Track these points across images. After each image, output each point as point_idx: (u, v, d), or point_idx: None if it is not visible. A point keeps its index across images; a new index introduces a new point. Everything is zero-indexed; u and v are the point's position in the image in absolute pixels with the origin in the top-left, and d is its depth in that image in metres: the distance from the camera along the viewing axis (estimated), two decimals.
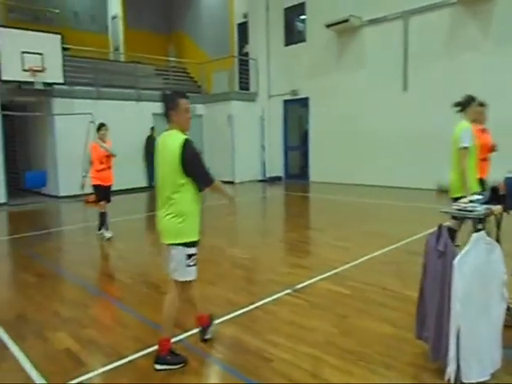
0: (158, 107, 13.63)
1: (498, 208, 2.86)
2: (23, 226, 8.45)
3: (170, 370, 2.86)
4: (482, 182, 4.24)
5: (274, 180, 14.73)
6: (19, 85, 10.64)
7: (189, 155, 2.78)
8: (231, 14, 16.29)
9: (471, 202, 2.85)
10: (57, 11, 15.70)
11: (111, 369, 2.89)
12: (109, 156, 6.68)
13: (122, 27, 18.43)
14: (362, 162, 12.52)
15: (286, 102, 14.86)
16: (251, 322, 3.58)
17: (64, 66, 11.27)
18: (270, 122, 15.27)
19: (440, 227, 2.66)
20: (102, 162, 6.63)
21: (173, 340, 3.07)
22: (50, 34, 11.18)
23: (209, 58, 16.41)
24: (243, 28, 15.68)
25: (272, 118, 15.22)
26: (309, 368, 2.83)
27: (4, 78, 10.29)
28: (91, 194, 10.77)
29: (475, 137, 4.10)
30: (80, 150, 11.07)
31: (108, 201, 6.89)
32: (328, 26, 12.57)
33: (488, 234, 2.67)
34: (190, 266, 2.90)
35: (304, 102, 14.21)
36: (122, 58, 17.53)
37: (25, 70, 10.44)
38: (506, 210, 3.00)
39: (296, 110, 15.07)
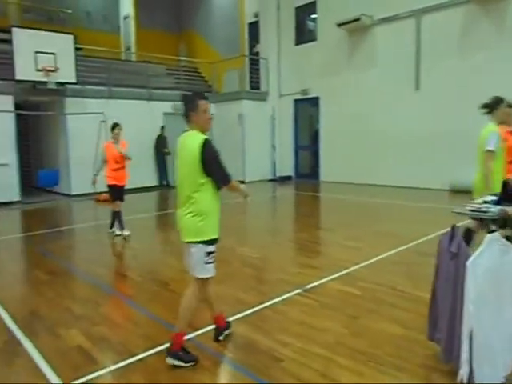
0: (168, 107, 13.82)
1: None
2: (36, 224, 8.57)
3: (180, 366, 2.87)
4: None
5: (284, 179, 14.71)
6: (33, 84, 10.78)
7: (208, 155, 2.82)
8: (242, 14, 16.29)
9: (485, 202, 2.81)
10: (69, 11, 15.86)
11: (122, 366, 2.91)
12: (123, 156, 6.71)
13: (134, 27, 18.55)
14: (372, 162, 12.44)
15: (296, 101, 14.82)
16: (261, 322, 3.58)
17: (76, 65, 11.39)
18: (280, 122, 15.25)
19: (453, 228, 2.63)
20: (117, 162, 6.64)
21: (185, 338, 3.08)
22: (63, 34, 11.32)
23: (220, 58, 16.44)
24: (254, 27, 15.68)
25: (282, 117, 15.20)
26: (319, 368, 2.82)
27: (18, 77, 10.43)
28: (102, 192, 10.95)
29: (503, 139, 4.05)
30: (92, 149, 11.19)
31: (122, 200, 6.93)
32: (339, 25, 12.51)
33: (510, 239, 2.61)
34: (208, 263, 2.94)
35: (314, 102, 14.17)
36: (134, 57, 17.64)
37: (38, 70, 10.58)
38: None
39: (306, 109, 15.03)
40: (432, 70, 11.01)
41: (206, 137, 2.88)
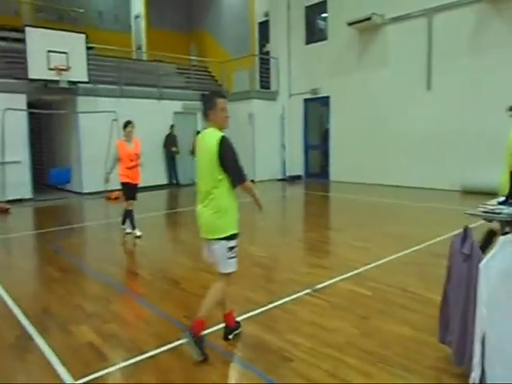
0: (179, 105, 13.88)
1: None
2: (48, 221, 8.67)
3: (191, 348, 2.89)
4: None
5: (294, 179, 14.68)
6: (45, 83, 10.90)
7: (225, 151, 2.91)
8: (252, 13, 16.30)
9: (499, 203, 2.78)
10: (81, 11, 16.01)
11: (132, 364, 2.94)
12: (137, 154, 6.74)
13: (145, 26, 18.66)
14: (383, 162, 12.36)
15: (306, 100, 14.78)
16: (271, 321, 3.58)
17: (88, 64, 11.49)
18: (290, 121, 15.22)
19: (465, 229, 2.60)
20: (131, 160, 6.64)
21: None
22: (75, 34, 11.43)
23: (230, 57, 16.46)
24: (264, 26, 15.67)
25: (292, 116, 15.17)
26: (328, 368, 2.81)
27: (31, 76, 10.56)
28: (114, 190, 11.04)
29: None
30: (103, 147, 11.30)
31: (134, 199, 6.92)
32: (350, 24, 12.44)
33: None
34: (231, 257, 3.03)
35: (325, 101, 14.11)
36: (145, 56, 17.75)
37: (50, 69, 10.69)
38: None
39: (317, 108, 14.98)
40: (444, 69, 10.89)
41: (223, 134, 2.98)
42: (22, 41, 10.61)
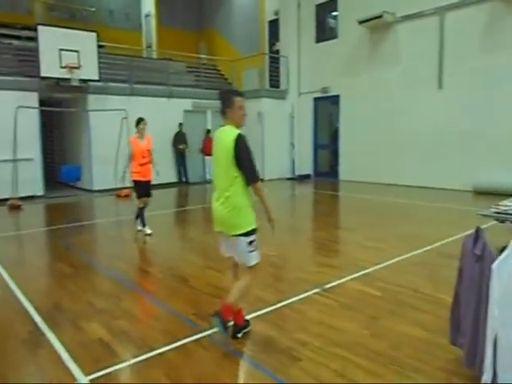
0: (188, 104, 13.92)
1: None
2: (59, 218, 8.76)
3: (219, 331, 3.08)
4: None
5: (303, 178, 14.65)
6: (57, 81, 11.00)
7: (241, 149, 2.98)
8: (262, 12, 16.27)
9: None
10: (93, 9, 16.14)
11: (142, 360, 2.95)
12: (150, 151, 6.76)
13: (155, 25, 18.72)
14: (394, 162, 12.27)
15: (316, 99, 14.73)
16: (279, 320, 3.58)
17: (99, 63, 11.57)
18: (299, 120, 15.18)
19: (477, 230, 2.57)
20: (143, 157, 6.65)
21: (203, 334, 3.11)
22: (86, 32, 11.53)
23: (240, 56, 16.45)
24: (274, 25, 15.63)
25: (302, 115, 15.13)
26: (337, 368, 2.80)
27: (43, 74, 10.67)
28: (124, 188, 11.12)
29: None
30: (113, 145, 11.38)
31: (149, 195, 6.92)
32: (360, 22, 12.36)
33: None
34: (251, 251, 3.10)
35: (335, 100, 14.05)
36: (155, 55, 17.82)
37: (62, 67, 10.80)
38: None
39: (326, 107, 14.93)
40: (455, 68, 10.78)
41: (240, 132, 3.05)
42: (35, 39, 10.72)
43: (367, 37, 12.84)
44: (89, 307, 3.93)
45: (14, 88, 10.63)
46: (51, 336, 3.31)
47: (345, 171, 13.91)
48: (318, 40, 14.49)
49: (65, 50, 10.82)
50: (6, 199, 9.97)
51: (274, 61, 15.63)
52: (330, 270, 4.90)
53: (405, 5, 11.68)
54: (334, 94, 13.96)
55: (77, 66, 10.97)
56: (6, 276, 4.82)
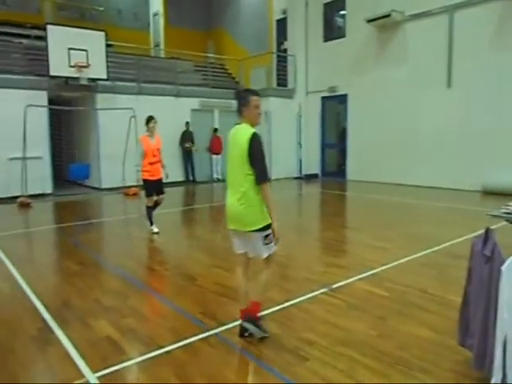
0: (196, 103, 13.93)
1: None
2: (67, 216, 8.83)
3: (252, 335, 3.16)
4: None
5: (310, 177, 14.62)
6: (66, 80, 11.08)
7: (255, 148, 3.04)
8: (270, 10, 16.25)
9: None
10: (101, 9, 16.23)
11: (149, 358, 2.97)
12: (159, 150, 6.76)
13: (163, 24, 18.80)
14: (402, 161, 12.21)
15: (323, 98, 14.69)
16: (287, 320, 3.58)
17: (107, 62, 11.63)
18: (307, 119, 15.15)
19: (487, 230, 2.55)
20: (154, 155, 6.65)
21: (210, 333, 3.12)
22: (95, 31, 11.60)
23: (247, 55, 16.44)
24: (282, 24, 15.61)
25: (309, 114, 15.10)
26: (344, 368, 2.79)
27: (52, 73, 10.75)
28: (131, 186, 11.18)
29: None
30: (121, 144, 11.44)
31: (162, 193, 6.90)
32: (369, 21, 12.31)
33: None
34: (267, 244, 3.14)
35: (342, 99, 14.00)
36: (163, 54, 17.87)
37: (71, 66, 10.87)
38: None
39: (334, 106, 14.88)
40: (465, 67, 10.69)
41: (255, 131, 3.11)
42: (44, 38, 10.80)
43: (375, 36, 12.77)
44: (97, 305, 3.96)
45: (24, 87, 10.72)
46: (60, 333, 3.34)
47: (352, 171, 13.86)
48: (326, 39, 14.44)
49: (74, 49, 10.89)
50: (16, 197, 10.07)
51: (282, 60, 15.61)
52: (338, 270, 4.88)
53: (413, 3, 11.60)
54: (342, 93, 13.91)
55: (85, 65, 11.04)
56: (15, 273, 4.87)
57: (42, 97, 10.99)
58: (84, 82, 11.20)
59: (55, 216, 9.46)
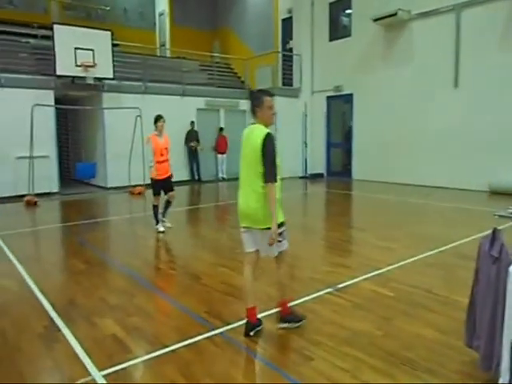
0: (202, 102, 13.95)
1: None
2: (74, 215, 8.88)
3: (289, 328, 3.31)
4: None
5: (316, 177, 14.60)
6: (72, 79, 11.14)
7: (267, 147, 3.09)
8: (276, 10, 16.23)
9: None
10: (108, 8, 16.29)
11: (155, 357, 2.98)
12: (167, 149, 6.77)
13: (169, 23, 18.84)
14: (407, 161, 12.15)
15: (329, 98, 14.66)
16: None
17: (113, 61, 11.67)
18: (312, 119, 15.12)
19: (494, 231, 2.53)
20: (162, 154, 6.67)
21: (215, 332, 3.11)
22: (101, 31, 11.65)
23: (253, 54, 16.44)
24: (288, 23, 15.59)
25: (315, 114, 15.07)
26: (350, 369, 2.78)
27: (59, 73, 10.80)
28: (137, 185, 11.23)
29: None
30: (127, 143, 11.48)
31: (172, 190, 6.91)
32: (375, 20, 12.26)
33: None
34: (280, 241, 3.19)
35: (348, 99, 13.96)
36: (168, 53, 17.92)
37: (77, 66, 10.92)
38: None
39: (339, 106, 14.84)
40: (472, 66, 10.61)
41: (268, 131, 3.17)
42: (51, 38, 10.85)
43: (381, 35, 12.71)
44: (102, 303, 3.98)
45: (31, 86, 10.78)
46: (66, 331, 3.36)
47: (358, 170, 13.82)
48: (332, 38, 14.41)
49: (80, 49, 10.94)
50: (23, 195, 10.14)
51: (287, 59, 15.59)
52: (343, 270, 4.87)
53: (420, 2, 11.54)
54: (348, 92, 13.87)
55: (92, 64, 11.09)
56: (22, 271, 4.90)
57: (48, 96, 11.05)
58: (90, 82, 11.25)
59: (61, 215, 9.51)
